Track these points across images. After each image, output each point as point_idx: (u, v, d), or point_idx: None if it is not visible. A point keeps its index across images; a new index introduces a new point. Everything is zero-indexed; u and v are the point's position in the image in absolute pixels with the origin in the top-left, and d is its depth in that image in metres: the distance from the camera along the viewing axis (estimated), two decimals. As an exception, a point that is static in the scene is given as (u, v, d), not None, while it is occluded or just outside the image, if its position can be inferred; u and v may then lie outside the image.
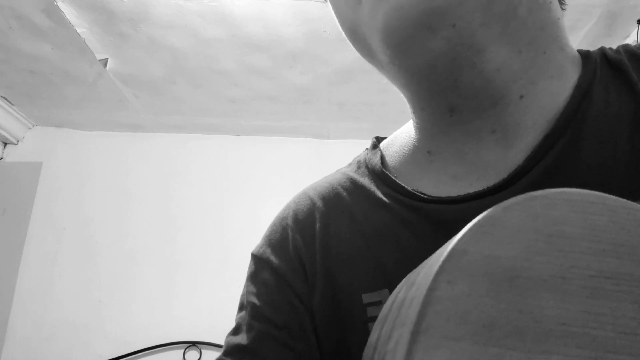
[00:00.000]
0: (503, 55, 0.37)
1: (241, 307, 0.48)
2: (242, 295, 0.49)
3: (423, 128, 0.44)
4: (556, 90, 0.39)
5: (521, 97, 0.38)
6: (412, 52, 0.36)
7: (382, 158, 0.47)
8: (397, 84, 0.43)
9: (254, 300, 0.46)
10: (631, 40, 1.84)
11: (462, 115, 0.40)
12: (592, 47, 0.44)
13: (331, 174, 0.52)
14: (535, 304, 0.19)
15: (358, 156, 0.51)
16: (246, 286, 0.49)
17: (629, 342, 0.19)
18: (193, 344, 2.34)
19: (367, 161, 0.48)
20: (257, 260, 0.49)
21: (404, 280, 0.28)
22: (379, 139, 0.51)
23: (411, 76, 0.38)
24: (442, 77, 0.37)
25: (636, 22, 1.83)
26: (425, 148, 0.44)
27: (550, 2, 0.39)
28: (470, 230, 0.20)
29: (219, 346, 2.31)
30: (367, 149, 0.51)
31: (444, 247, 0.21)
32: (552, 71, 0.39)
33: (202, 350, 2.34)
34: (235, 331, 0.46)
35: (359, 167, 0.49)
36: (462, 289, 0.19)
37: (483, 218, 0.20)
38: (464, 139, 0.41)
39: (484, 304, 0.19)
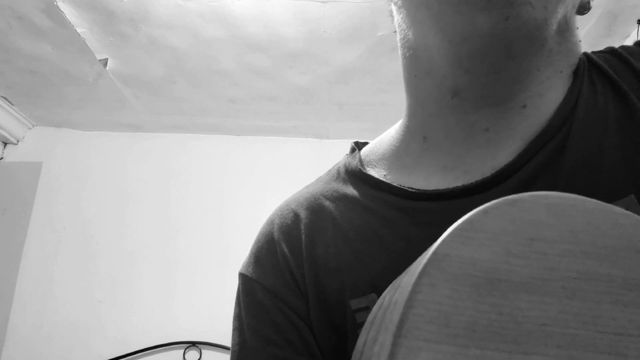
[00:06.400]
0: (522, 69, 0.38)
1: (238, 330, 0.47)
2: (236, 318, 0.47)
3: (420, 106, 0.44)
4: (555, 98, 0.40)
5: (524, 106, 0.39)
6: (471, 15, 0.35)
7: (361, 160, 0.48)
8: (412, 39, 0.42)
9: (251, 321, 0.45)
10: (631, 40, 1.84)
11: (461, 102, 0.40)
12: (592, 47, 0.45)
13: (312, 183, 0.52)
14: (515, 305, 0.19)
15: (337, 163, 0.51)
16: (240, 308, 0.47)
17: (608, 342, 0.19)
18: (193, 344, 2.34)
19: (347, 166, 0.48)
20: (247, 280, 0.47)
21: (390, 285, 0.28)
22: (358, 144, 0.52)
23: (451, 35, 0.37)
24: (468, 53, 0.37)
25: (636, 22, 1.83)
26: (420, 133, 0.44)
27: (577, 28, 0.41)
28: (450, 234, 0.20)
29: (219, 346, 2.31)
30: (346, 154, 0.51)
31: (426, 251, 0.21)
32: (561, 85, 0.40)
33: (202, 350, 2.34)
34: (238, 357, 0.45)
35: (338, 174, 0.49)
36: (444, 292, 0.19)
37: (463, 222, 0.20)
38: (458, 129, 0.41)
39: (465, 307, 0.19)
